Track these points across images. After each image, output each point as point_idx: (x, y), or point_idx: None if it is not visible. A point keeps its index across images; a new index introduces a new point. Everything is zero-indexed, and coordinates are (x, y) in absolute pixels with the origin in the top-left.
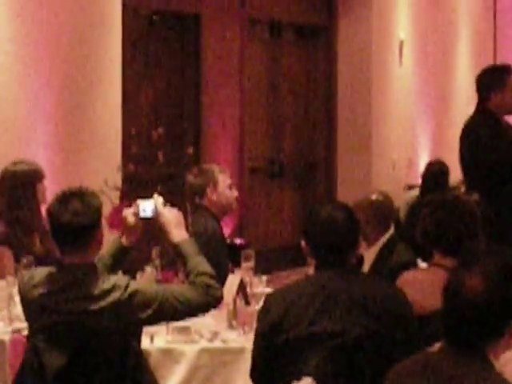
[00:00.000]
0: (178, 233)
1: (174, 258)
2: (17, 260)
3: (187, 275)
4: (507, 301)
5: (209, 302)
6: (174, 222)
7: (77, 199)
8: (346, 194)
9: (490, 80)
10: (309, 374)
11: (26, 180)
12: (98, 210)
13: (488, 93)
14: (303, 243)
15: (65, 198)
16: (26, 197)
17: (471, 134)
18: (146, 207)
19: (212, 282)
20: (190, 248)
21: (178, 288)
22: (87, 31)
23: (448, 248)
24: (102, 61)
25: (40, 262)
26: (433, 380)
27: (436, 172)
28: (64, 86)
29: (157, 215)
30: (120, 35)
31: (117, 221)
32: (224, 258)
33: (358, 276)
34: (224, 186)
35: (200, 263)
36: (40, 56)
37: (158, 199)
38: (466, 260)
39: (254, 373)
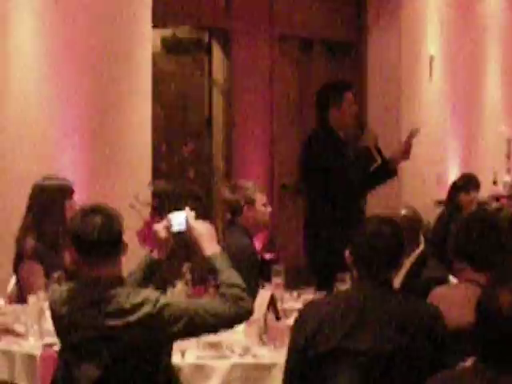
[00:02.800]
0: (210, 246)
1: (204, 274)
2: (47, 275)
3: (218, 288)
4: None
5: (240, 315)
6: (206, 236)
7: (99, 214)
8: (376, 209)
9: (328, 96)
10: None
11: (54, 195)
12: (120, 222)
13: (327, 109)
14: (347, 253)
15: (86, 213)
16: (54, 212)
17: (309, 149)
18: (178, 221)
19: (243, 294)
20: (221, 261)
21: (209, 301)
22: (117, 47)
23: (480, 264)
24: (132, 76)
25: (70, 277)
26: None
27: (463, 186)
28: (93, 101)
29: (189, 229)
30: (150, 51)
31: (147, 236)
32: (256, 274)
33: (394, 292)
34: (260, 204)
35: (231, 276)
36: (69, 72)
37: (189, 213)
38: (499, 276)
39: None
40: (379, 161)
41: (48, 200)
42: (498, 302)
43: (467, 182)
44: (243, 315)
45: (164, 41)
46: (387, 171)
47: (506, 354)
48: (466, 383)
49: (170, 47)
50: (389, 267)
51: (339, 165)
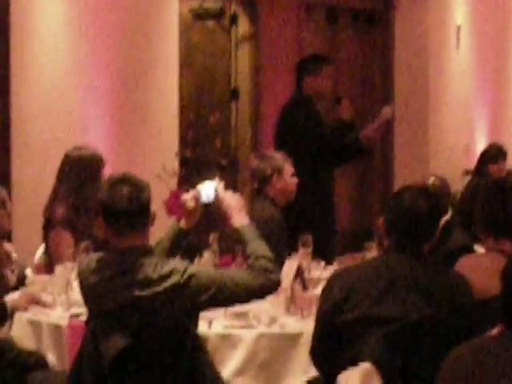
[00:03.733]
0: (239, 217)
1: (231, 243)
2: (76, 244)
3: (247, 259)
4: None
5: (267, 286)
6: (236, 207)
7: (127, 184)
8: (404, 179)
9: (305, 67)
10: (367, 358)
11: (92, 164)
12: (148, 192)
13: (301, 79)
14: (381, 221)
15: (114, 183)
16: (93, 180)
17: (288, 115)
18: (207, 192)
19: (271, 265)
20: (250, 232)
21: (237, 272)
22: (143, 19)
23: (505, 232)
24: (160, 46)
25: (102, 246)
26: (492, 364)
27: (491, 156)
28: (120, 71)
29: (218, 200)
30: (176, 25)
31: (175, 206)
32: (285, 244)
33: (423, 262)
34: (289, 175)
35: (260, 247)
36: (96, 46)
37: (219, 184)
38: None
39: (314, 352)
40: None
41: (84, 169)
42: None
43: (495, 152)
44: (271, 287)
45: (192, 11)
46: (359, 147)
47: None
48: (493, 351)
49: (198, 17)
50: (423, 239)
51: (314, 133)
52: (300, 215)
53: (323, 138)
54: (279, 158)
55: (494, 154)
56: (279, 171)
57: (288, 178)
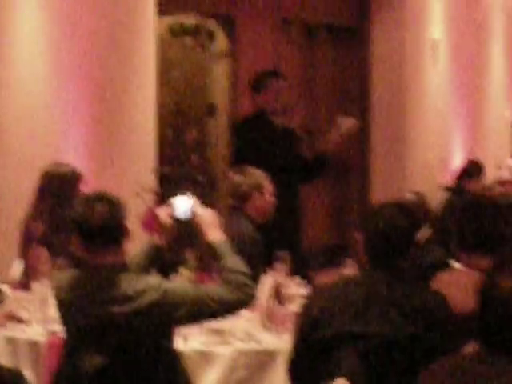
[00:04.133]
0: (214, 233)
1: (208, 260)
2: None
3: (221, 273)
4: None
5: (243, 300)
6: (210, 222)
7: (102, 201)
8: (380, 195)
9: (254, 82)
10: (343, 374)
11: (71, 181)
12: (123, 209)
13: (253, 94)
14: (358, 237)
15: (89, 200)
16: (71, 197)
17: (240, 131)
18: (183, 207)
19: (247, 280)
20: (225, 248)
21: (212, 287)
22: (121, 37)
23: (481, 248)
24: (136, 65)
25: (77, 264)
26: (467, 382)
27: (469, 172)
28: (97, 87)
29: (192, 215)
30: (153, 40)
31: (151, 222)
32: (260, 261)
33: (401, 278)
34: (268, 193)
35: (235, 262)
36: (74, 62)
37: (193, 199)
38: (500, 262)
39: (291, 369)
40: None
41: (63, 186)
42: (499, 287)
43: (472, 168)
44: (247, 301)
45: (169, 27)
46: (320, 162)
47: (508, 340)
48: (469, 369)
49: (175, 33)
50: (400, 256)
51: (267, 149)
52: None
53: (276, 155)
54: (259, 174)
55: (471, 170)
56: (259, 188)
57: (267, 196)
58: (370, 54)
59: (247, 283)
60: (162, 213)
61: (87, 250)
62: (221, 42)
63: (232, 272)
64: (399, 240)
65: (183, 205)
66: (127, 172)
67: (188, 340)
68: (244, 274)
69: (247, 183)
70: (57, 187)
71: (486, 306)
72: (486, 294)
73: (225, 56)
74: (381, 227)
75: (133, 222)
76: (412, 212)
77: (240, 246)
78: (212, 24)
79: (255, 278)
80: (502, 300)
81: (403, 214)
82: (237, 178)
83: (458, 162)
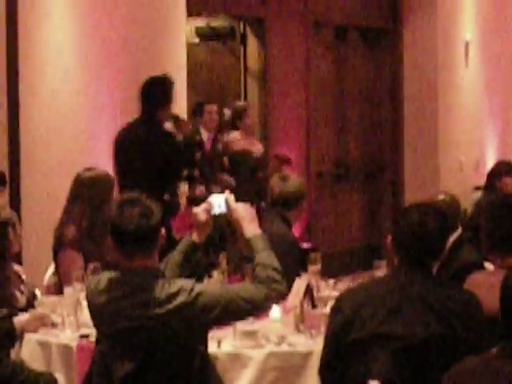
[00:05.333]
0: (251, 228)
1: (241, 263)
2: (86, 266)
3: (254, 269)
4: None
5: (272, 297)
6: (247, 217)
7: (137, 205)
8: (413, 196)
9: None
10: (376, 376)
11: (104, 186)
12: (158, 214)
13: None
14: (389, 239)
15: (124, 204)
16: (104, 202)
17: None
18: (218, 203)
19: (278, 276)
20: (261, 243)
21: (242, 287)
22: (151, 39)
23: (505, 249)
24: (167, 68)
25: (110, 268)
26: (493, 381)
27: (499, 172)
28: (127, 94)
29: (229, 211)
30: (184, 42)
31: (183, 226)
32: (297, 263)
33: (433, 280)
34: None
35: (268, 258)
36: (103, 65)
37: (229, 195)
38: None
39: (323, 371)
40: None
41: (96, 191)
42: None
43: (504, 168)
44: (276, 297)
45: (199, 30)
46: None
47: None
48: (492, 368)
49: (205, 37)
50: (431, 256)
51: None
52: None
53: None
54: (303, 182)
55: (503, 169)
56: (305, 197)
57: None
58: (401, 56)
59: (277, 279)
60: (199, 210)
61: (120, 254)
62: (252, 44)
63: (264, 267)
64: (429, 240)
65: (219, 201)
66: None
67: (221, 343)
68: (276, 269)
69: (296, 192)
70: (89, 191)
71: (506, 304)
72: (507, 293)
73: (256, 59)
74: (411, 228)
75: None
76: (443, 213)
77: (277, 246)
78: (242, 27)
79: (290, 280)
80: None
81: (434, 215)
82: (285, 185)
83: (491, 163)
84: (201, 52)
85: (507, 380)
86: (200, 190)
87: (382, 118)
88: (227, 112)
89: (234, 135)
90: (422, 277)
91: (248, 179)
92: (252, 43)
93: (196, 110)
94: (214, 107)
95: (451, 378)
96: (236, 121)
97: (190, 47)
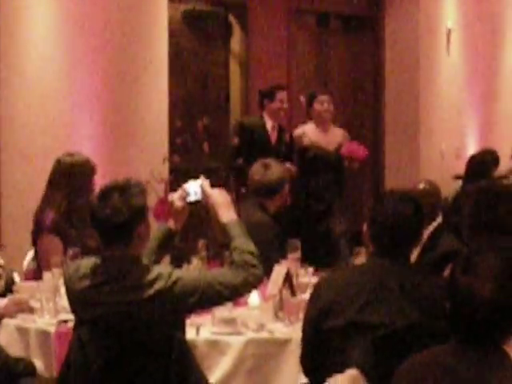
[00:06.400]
0: (227, 213)
1: (219, 250)
2: (65, 251)
3: (231, 253)
4: None
5: (250, 281)
6: (223, 203)
7: (117, 195)
8: (393, 183)
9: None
10: (353, 363)
11: (84, 171)
12: (138, 206)
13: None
14: (365, 228)
15: (106, 192)
16: (85, 186)
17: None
18: (194, 189)
19: (254, 260)
20: (237, 228)
21: (220, 272)
22: (133, 24)
23: (489, 236)
24: (148, 53)
25: (92, 254)
26: (439, 377)
27: (478, 161)
28: (109, 78)
29: (205, 197)
30: (166, 27)
31: (162, 212)
32: (272, 249)
33: (409, 267)
34: (287, 189)
35: (245, 243)
36: (85, 49)
37: (205, 181)
38: (469, 259)
39: (303, 359)
40: None
41: (76, 176)
42: (472, 286)
43: (487, 157)
44: (254, 282)
45: (182, 15)
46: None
47: (474, 333)
48: (441, 363)
49: (189, 22)
50: (407, 244)
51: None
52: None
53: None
54: (283, 169)
55: (486, 158)
56: (285, 185)
57: (287, 190)
58: (383, 43)
59: (255, 264)
60: (175, 197)
61: (100, 241)
62: (234, 30)
63: (241, 252)
64: (405, 228)
65: (195, 187)
66: (139, 162)
67: (200, 330)
68: (252, 254)
69: (277, 180)
70: (69, 176)
71: (457, 304)
72: (458, 292)
73: (238, 44)
74: (385, 215)
75: None
76: (418, 200)
77: (255, 233)
78: (226, 13)
79: (269, 266)
80: (475, 298)
81: (408, 202)
82: (266, 173)
83: (471, 150)
84: (185, 35)
85: (452, 375)
86: None
87: (364, 106)
88: (302, 99)
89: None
90: (399, 265)
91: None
92: (235, 29)
93: (266, 96)
94: (285, 94)
95: (400, 373)
96: (307, 108)
97: (174, 31)
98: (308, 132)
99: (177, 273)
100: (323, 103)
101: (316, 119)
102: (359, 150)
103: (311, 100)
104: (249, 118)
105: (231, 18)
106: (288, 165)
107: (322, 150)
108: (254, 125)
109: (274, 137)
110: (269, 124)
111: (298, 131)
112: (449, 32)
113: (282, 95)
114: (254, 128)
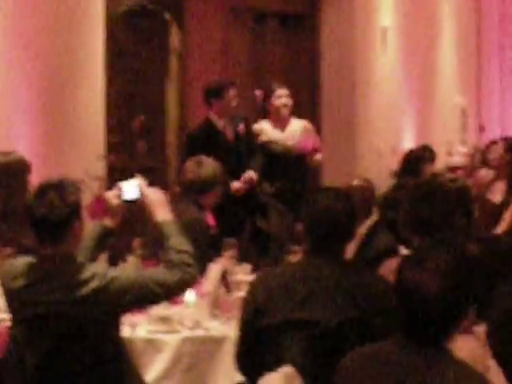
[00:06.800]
0: (162, 213)
1: (155, 248)
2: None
3: (166, 253)
4: (460, 294)
5: (185, 280)
6: (158, 202)
7: (53, 192)
8: (331, 181)
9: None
10: (289, 361)
11: (20, 169)
12: (74, 204)
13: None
14: (299, 227)
15: (41, 190)
16: (21, 186)
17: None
18: (130, 188)
19: (190, 260)
20: (172, 227)
21: (155, 271)
22: (67, 22)
23: (432, 233)
24: (83, 51)
25: (30, 253)
26: (387, 370)
27: (414, 157)
28: (44, 77)
29: (141, 196)
30: (101, 25)
31: (98, 210)
32: (207, 247)
33: (345, 264)
34: (223, 184)
35: (180, 242)
36: (19, 48)
37: (141, 180)
38: (417, 254)
39: (239, 357)
40: None
41: (11, 175)
42: (418, 281)
43: (423, 154)
44: (189, 281)
45: (119, 14)
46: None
47: (414, 328)
48: (382, 358)
49: (126, 20)
50: (340, 240)
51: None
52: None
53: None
54: (217, 166)
55: (422, 155)
56: (219, 182)
57: (222, 188)
58: (319, 41)
59: (190, 263)
60: (110, 195)
61: (36, 239)
62: (173, 31)
63: (176, 252)
64: (337, 225)
65: (130, 186)
66: (75, 160)
67: (136, 328)
68: (188, 253)
69: (210, 176)
70: (4, 176)
71: (404, 300)
72: (404, 287)
73: (176, 43)
74: (317, 213)
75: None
76: (350, 196)
77: (190, 231)
78: (163, 11)
79: (204, 263)
80: (421, 294)
81: (340, 199)
82: (199, 170)
83: (408, 147)
84: (122, 34)
85: (394, 369)
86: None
87: (300, 105)
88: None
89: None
90: (334, 262)
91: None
92: (172, 27)
93: (213, 94)
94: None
95: (344, 368)
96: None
97: (112, 29)
98: (265, 129)
99: (112, 272)
100: (281, 97)
101: (274, 115)
102: (307, 142)
103: (268, 94)
104: (194, 128)
105: (168, 17)
106: (249, 174)
107: (280, 146)
108: (203, 132)
109: (229, 135)
110: (219, 124)
111: (255, 128)
112: (385, 31)
113: (233, 92)
114: (203, 135)
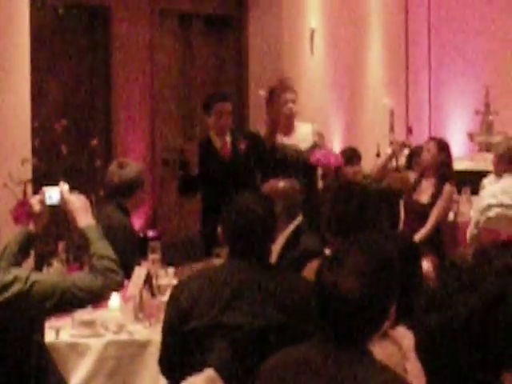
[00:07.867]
0: (84, 218)
1: (79, 252)
2: None
3: (90, 258)
4: (380, 294)
5: (108, 286)
6: (81, 208)
7: None
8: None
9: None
10: (212, 365)
11: None
12: None
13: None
14: (220, 230)
15: None
16: None
17: None
18: (52, 194)
19: (112, 265)
20: (95, 233)
21: (79, 276)
22: None
23: (346, 234)
24: (10, 53)
25: None
26: (307, 374)
27: (347, 159)
28: None
29: (63, 201)
30: (28, 27)
31: (22, 215)
32: (132, 251)
33: (269, 267)
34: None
35: (103, 247)
36: None
37: (63, 186)
38: (336, 255)
39: (162, 361)
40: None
41: None
42: (337, 283)
43: (350, 155)
44: (112, 286)
45: (48, 18)
46: None
47: (333, 330)
48: (305, 359)
49: (54, 25)
50: (261, 243)
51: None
52: None
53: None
54: (141, 169)
55: (348, 156)
56: (143, 184)
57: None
58: (246, 43)
59: (114, 269)
60: (34, 200)
61: None
62: (97, 32)
63: (99, 257)
64: (257, 227)
65: (53, 192)
66: (1, 164)
67: (59, 333)
68: (111, 259)
69: (133, 179)
70: None
71: (323, 301)
72: (324, 288)
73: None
74: (237, 215)
75: (3, 215)
76: (269, 198)
77: (115, 235)
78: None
79: (129, 269)
80: (341, 296)
81: (260, 202)
82: (122, 172)
83: (336, 151)
84: (49, 38)
85: (315, 372)
86: None
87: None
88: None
89: None
90: (257, 265)
91: None
92: (99, 33)
93: (204, 109)
94: (227, 105)
95: (265, 371)
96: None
97: (40, 33)
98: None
99: (34, 276)
100: (288, 102)
101: (281, 121)
102: (329, 159)
103: (274, 97)
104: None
105: (95, 22)
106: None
107: (290, 150)
108: (200, 148)
109: (226, 154)
110: (216, 141)
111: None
112: (312, 32)
113: (220, 107)
114: (201, 152)
